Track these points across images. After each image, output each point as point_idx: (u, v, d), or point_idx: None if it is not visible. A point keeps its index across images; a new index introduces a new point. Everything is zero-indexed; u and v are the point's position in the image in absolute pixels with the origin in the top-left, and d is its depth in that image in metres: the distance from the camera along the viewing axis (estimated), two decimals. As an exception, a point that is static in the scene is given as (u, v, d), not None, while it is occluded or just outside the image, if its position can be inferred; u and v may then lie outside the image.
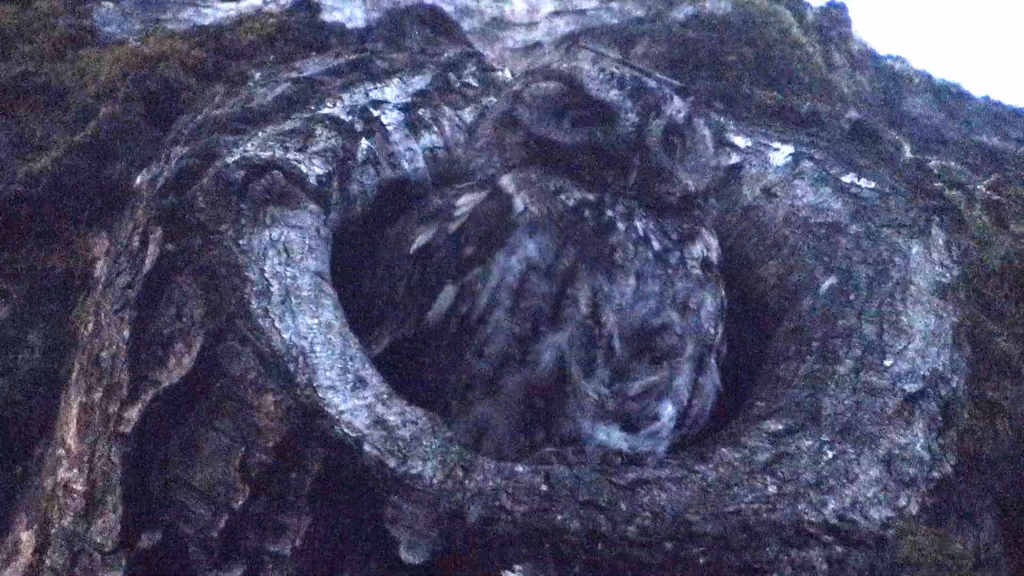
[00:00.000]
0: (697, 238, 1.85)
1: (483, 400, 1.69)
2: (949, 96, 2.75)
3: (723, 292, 1.87)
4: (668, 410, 1.75)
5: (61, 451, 1.75)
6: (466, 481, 1.55)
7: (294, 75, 2.06)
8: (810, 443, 1.68)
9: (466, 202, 1.80)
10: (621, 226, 1.78)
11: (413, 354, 1.72)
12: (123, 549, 1.63)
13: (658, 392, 1.75)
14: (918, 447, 1.70)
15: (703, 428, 1.80)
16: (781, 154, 2.12)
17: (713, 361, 1.82)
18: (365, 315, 1.79)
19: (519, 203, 1.78)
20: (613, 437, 1.71)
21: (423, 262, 1.77)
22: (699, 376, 1.79)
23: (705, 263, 1.84)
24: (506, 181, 1.82)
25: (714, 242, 1.89)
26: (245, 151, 1.84)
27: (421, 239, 1.79)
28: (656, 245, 1.79)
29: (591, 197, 1.79)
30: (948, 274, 1.90)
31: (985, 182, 2.10)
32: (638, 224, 1.79)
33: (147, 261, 1.72)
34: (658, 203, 1.84)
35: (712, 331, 1.82)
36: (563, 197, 1.78)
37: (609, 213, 1.78)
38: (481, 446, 1.67)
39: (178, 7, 2.43)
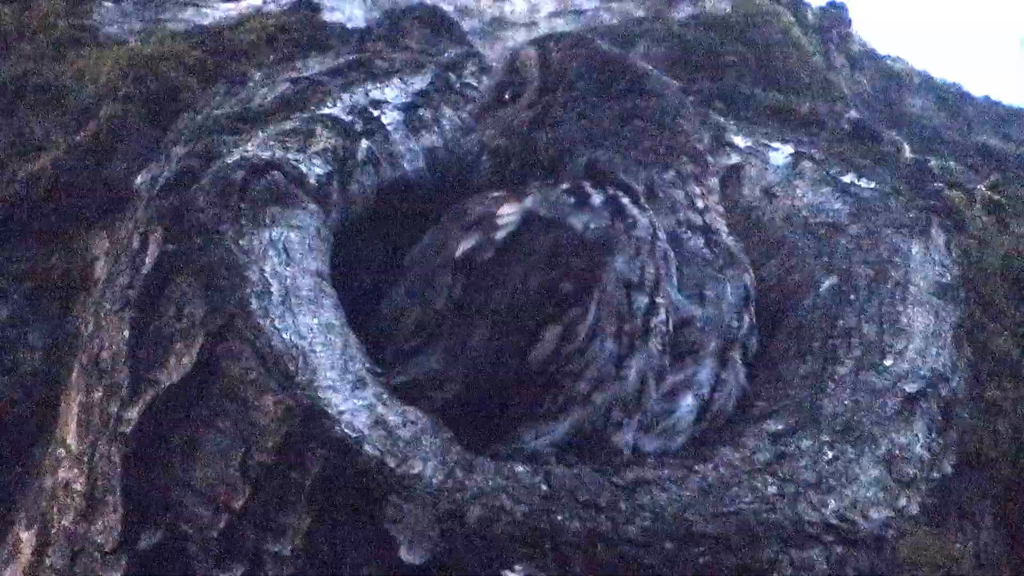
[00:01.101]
0: (681, 206, 1.82)
1: (568, 415, 1.67)
2: (949, 96, 2.75)
3: (748, 278, 1.84)
4: (687, 401, 1.74)
5: (61, 451, 1.75)
6: (466, 481, 1.55)
7: (294, 75, 2.06)
8: (810, 443, 1.68)
9: (508, 212, 1.77)
10: (638, 212, 1.76)
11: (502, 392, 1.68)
12: (123, 549, 1.63)
13: (681, 390, 1.74)
14: (918, 447, 1.70)
15: (724, 423, 1.78)
16: (781, 154, 2.12)
17: (737, 356, 1.80)
18: (391, 331, 1.76)
19: (577, 224, 1.74)
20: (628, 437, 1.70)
21: (468, 270, 1.73)
22: (721, 371, 1.77)
23: (709, 238, 1.81)
24: (532, 204, 1.78)
25: (708, 197, 1.85)
26: (245, 151, 1.84)
27: (465, 245, 1.75)
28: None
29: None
30: (948, 274, 1.91)
31: (985, 182, 2.10)
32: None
33: (147, 261, 1.72)
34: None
35: (735, 324, 1.80)
36: (593, 200, 1.76)
37: (626, 202, 1.77)
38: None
39: (178, 7, 2.43)
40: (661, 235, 1.76)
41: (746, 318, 1.82)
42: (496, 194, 1.83)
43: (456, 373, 1.68)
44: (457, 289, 1.72)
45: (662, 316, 1.71)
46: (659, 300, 1.71)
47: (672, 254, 1.76)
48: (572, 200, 1.76)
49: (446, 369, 1.69)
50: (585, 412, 1.67)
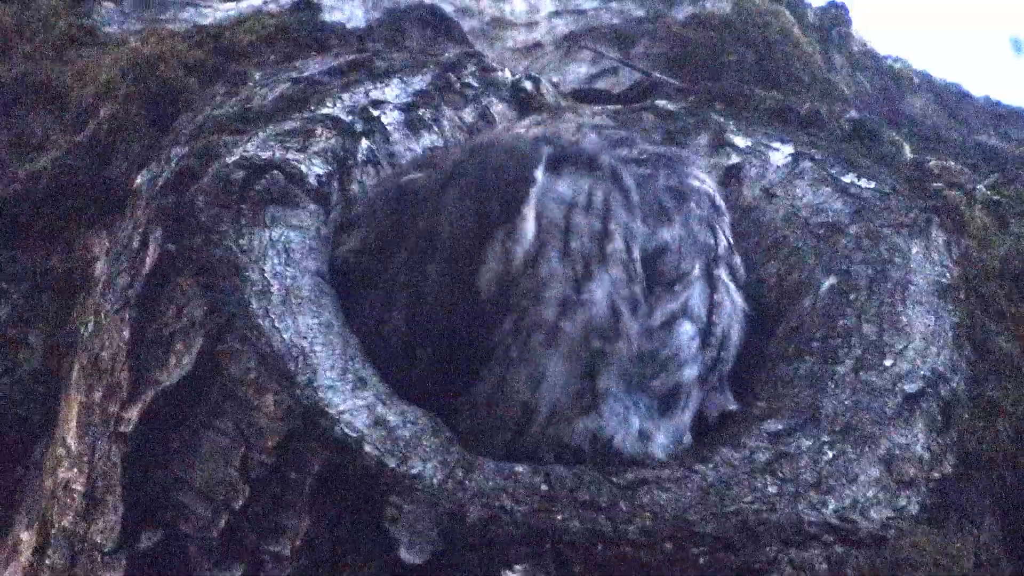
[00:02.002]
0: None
1: (545, 346, 1.64)
2: (949, 96, 2.75)
3: (710, 187, 1.82)
4: (684, 327, 1.71)
5: (61, 451, 1.75)
6: (466, 481, 1.55)
7: (294, 75, 2.07)
8: (810, 443, 1.68)
9: (456, 152, 1.77)
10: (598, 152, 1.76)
11: (466, 330, 1.66)
12: (123, 549, 1.63)
13: (677, 318, 1.71)
14: (918, 447, 1.70)
15: (735, 355, 1.76)
16: (781, 154, 2.12)
17: (724, 276, 1.77)
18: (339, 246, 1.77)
19: (507, 140, 1.76)
20: (637, 417, 1.68)
21: (407, 195, 1.74)
22: (713, 293, 1.74)
23: (663, 165, 1.80)
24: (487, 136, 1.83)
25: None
26: (245, 151, 1.84)
27: (410, 176, 1.77)
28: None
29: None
30: (948, 274, 1.91)
31: (985, 182, 2.10)
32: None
33: (147, 261, 1.72)
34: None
35: (710, 240, 1.77)
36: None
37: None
38: (538, 395, 1.64)
39: (178, 7, 2.43)
40: (625, 172, 1.74)
41: (720, 233, 1.79)
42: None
43: (421, 328, 1.67)
44: (395, 213, 1.74)
45: (618, 244, 1.68)
46: (612, 227, 1.68)
47: (632, 185, 1.73)
48: (532, 134, 1.80)
49: (411, 327, 1.68)
50: (562, 339, 1.64)
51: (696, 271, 1.74)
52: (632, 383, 1.68)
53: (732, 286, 1.78)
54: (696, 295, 1.73)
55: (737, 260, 1.82)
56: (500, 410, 1.65)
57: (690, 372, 1.72)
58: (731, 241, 1.81)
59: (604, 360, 1.65)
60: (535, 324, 1.64)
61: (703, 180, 1.84)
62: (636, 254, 1.69)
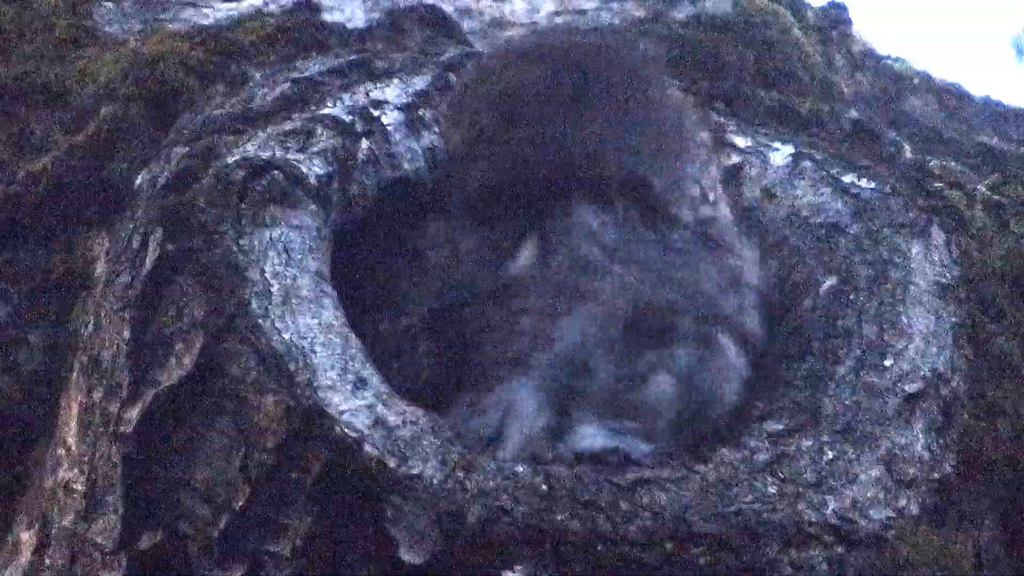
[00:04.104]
0: (684, 192, 1.86)
1: (515, 377, 1.69)
2: (949, 96, 2.75)
3: (734, 261, 1.84)
4: (662, 377, 1.72)
5: (61, 451, 1.76)
6: (466, 481, 1.55)
7: (294, 75, 2.07)
8: (810, 443, 1.68)
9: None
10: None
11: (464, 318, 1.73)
12: (123, 549, 1.63)
13: (657, 369, 1.73)
14: (918, 447, 1.70)
15: (727, 414, 1.77)
16: (781, 154, 2.13)
17: (726, 339, 1.78)
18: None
19: None
20: (603, 439, 1.70)
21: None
22: (706, 352, 1.76)
23: (702, 223, 1.82)
24: None
25: (710, 189, 1.89)
26: (245, 151, 1.84)
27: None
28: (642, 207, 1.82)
29: None
30: (948, 274, 1.91)
31: (985, 182, 2.11)
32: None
33: (147, 261, 1.72)
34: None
35: (720, 303, 1.79)
36: None
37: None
38: (507, 423, 1.68)
39: (178, 7, 2.43)
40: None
41: (733, 299, 1.80)
42: None
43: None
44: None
45: (611, 289, 1.73)
46: (612, 269, 1.75)
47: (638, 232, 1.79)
48: None
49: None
50: (532, 376, 1.68)
51: (684, 329, 1.75)
52: (608, 425, 1.69)
53: (732, 347, 1.79)
54: (683, 351, 1.74)
55: (751, 322, 1.83)
56: (476, 430, 1.68)
57: (665, 423, 1.72)
58: (747, 304, 1.83)
59: (574, 396, 1.68)
60: (505, 358, 1.70)
61: (733, 252, 1.89)
62: (622, 300, 1.72)
